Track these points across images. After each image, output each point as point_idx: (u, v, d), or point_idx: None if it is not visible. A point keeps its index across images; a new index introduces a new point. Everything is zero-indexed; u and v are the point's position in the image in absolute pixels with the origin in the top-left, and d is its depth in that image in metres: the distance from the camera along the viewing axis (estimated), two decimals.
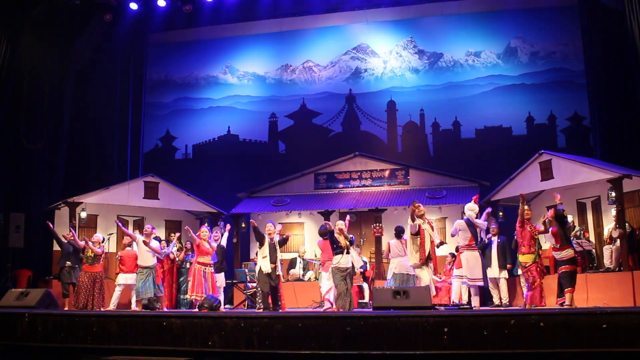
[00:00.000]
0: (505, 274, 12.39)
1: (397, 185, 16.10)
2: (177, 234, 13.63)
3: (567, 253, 9.56)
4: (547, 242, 13.14)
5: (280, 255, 10.68)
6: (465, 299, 12.76)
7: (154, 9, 18.07)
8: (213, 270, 11.03)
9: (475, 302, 10.47)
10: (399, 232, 10.90)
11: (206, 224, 11.40)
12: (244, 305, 12.86)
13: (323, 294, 10.49)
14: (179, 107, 20.23)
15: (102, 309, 11.40)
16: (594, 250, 12.27)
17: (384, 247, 15.02)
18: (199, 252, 10.96)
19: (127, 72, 18.67)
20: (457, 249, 11.32)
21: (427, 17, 18.69)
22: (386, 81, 18.89)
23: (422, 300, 6.69)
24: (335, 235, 9.77)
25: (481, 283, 10.32)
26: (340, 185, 16.44)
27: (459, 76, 18.23)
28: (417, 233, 9.67)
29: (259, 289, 10.37)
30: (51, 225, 12.62)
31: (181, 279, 13.23)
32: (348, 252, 9.69)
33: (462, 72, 18.26)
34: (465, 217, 10.59)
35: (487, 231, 13.13)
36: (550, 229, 9.68)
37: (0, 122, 14.90)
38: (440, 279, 13.30)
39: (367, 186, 16.27)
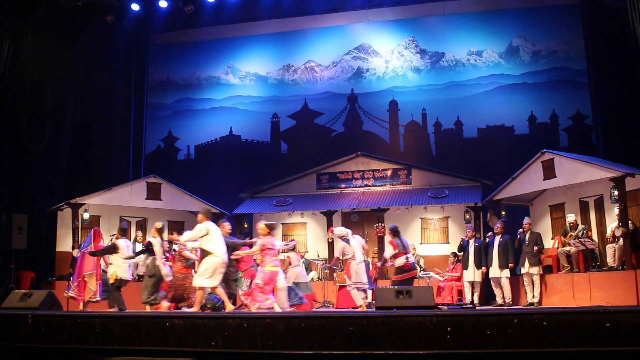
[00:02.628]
0: (507, 273, 12.43)
1: (400, 185, 16.10)
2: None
3: (400, 261, 10.43)
4: (550, 241, 13.21)
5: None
6: (468, 299, 12.79)
7: (155, 10, 18.08)
8: None
9: (367, 301, 10.63)
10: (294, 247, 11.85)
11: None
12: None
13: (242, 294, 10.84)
14: (181, 107, 20.24)
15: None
16: (596, 249, 12.26)
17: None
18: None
19: (129, 73, 18.69)
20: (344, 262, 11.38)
21: (429, 17, 18.67)
22: (388, 81, 18.88)
23: (425, 300, 6.69)
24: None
25: (366, 286, 10.63)
26: (343, 185, 16.45)
27: (461, 75, 18.21)
28: None
29: None
30: None
31: None
32: None
33: (464, 72, 18.24)
34: (345, 238, 10.82)
35: (491, 230, 13.20)
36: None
37: (2, 123, 14.91)
38: (443, 278, 13.33)
39: (370, 186, 16.27)
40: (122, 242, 10.94)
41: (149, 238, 11.03)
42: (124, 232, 11.25)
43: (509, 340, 5.05)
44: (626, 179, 11.45)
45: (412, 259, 10.91)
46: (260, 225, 9.80)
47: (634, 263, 11.12)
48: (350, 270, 10.70)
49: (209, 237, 9.32)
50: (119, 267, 10.95)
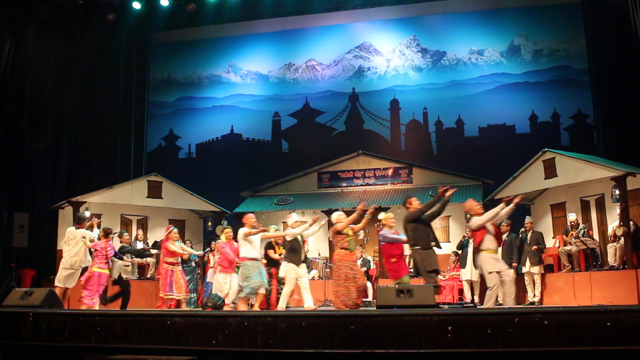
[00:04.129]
0: (511, 272, 12.40)
1: (401, 184, 16.11)
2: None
3: None
4: (551, 240, 13.21)
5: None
6: (468, 297, 12.79)
7: (157, 8, 18.06)
8: (182, 269, 11.30)
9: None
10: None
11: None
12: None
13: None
14: (182, 106, 20.24)
15: None
16: (597, 248, 12.25)
17: None
18: (166, 253, 10.97)
19: (130, 72, 18.69)
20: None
21: (430, 15, 18.66)
22: (389, 80, 18.87)
23: (425, 299, 6.68)
24: None
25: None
26: (344, 184, 16.45)
27: (462, 74, 18.19)
28: None
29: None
30: None
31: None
32: None
33: (465, 71, 18.22)
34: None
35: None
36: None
37: (3, 121, 14.93)
38: (445, 277, 13.31)
39: (371, 185, 16.28)
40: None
41: None
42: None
43: (509, 339, 5.04)
44: (627, 178, 11.45)
45: None
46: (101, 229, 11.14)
47: (634, 262, 11.13)
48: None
49: (68, 242, 10.74)
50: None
